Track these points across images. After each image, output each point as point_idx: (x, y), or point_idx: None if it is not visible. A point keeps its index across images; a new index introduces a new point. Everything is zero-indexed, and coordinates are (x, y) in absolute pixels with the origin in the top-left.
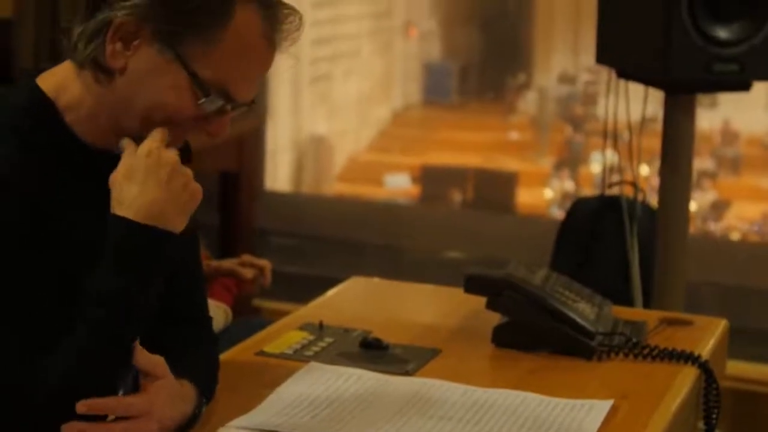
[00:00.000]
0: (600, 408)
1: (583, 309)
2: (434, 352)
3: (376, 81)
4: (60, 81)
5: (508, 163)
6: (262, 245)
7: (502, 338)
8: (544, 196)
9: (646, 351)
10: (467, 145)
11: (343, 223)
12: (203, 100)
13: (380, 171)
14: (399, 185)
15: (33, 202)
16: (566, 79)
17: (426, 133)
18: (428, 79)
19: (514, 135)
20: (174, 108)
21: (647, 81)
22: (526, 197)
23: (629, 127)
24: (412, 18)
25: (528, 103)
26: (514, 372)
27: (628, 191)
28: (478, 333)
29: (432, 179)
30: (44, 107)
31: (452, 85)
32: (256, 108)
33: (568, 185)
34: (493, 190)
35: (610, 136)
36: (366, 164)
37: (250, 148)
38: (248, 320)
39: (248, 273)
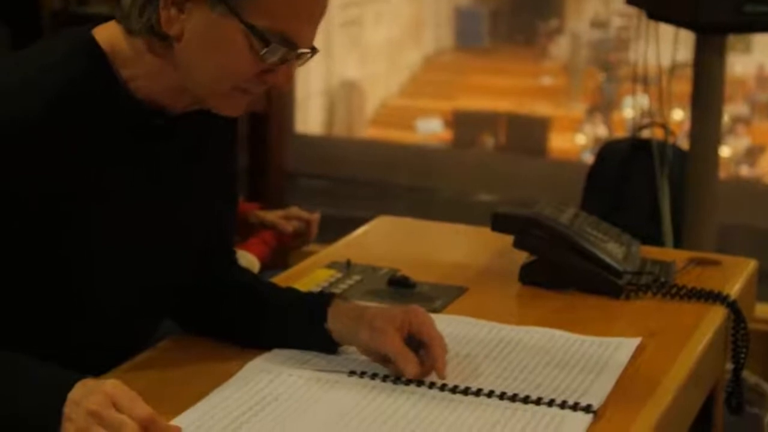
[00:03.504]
0: (628, 345)
1: (611, 248)
2: (461, 290)
3: (407, 25)
4: (114, 38)
5: (540, 108)
6: (292, 188)
7: (529, 276)
8: (577, 141)
9: (674, 290)
10: (499, 90)
11: (374, 166)
12: (264, 50)
13: (412, 116)
14: (431, 130)
15: (65, 153)
16: (598, 23)
17: (458, 77)
18: (459, 23)
19: (546, 80)
20: (237, 68)
21: (678, 22)
22: (558, 142)
23: (660, 71)
24: None
25: (560, 48)
26: (541, 310)
27: (659, 134)
28: (506, 271)
29: (464, 124)
30: (99, 59)
31: (484, 29)
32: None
33: (601, 130)
34: (526, 135)
35: (641, 80)
36: (398, 109)
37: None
38: (276, 272)
39: (288, 226)
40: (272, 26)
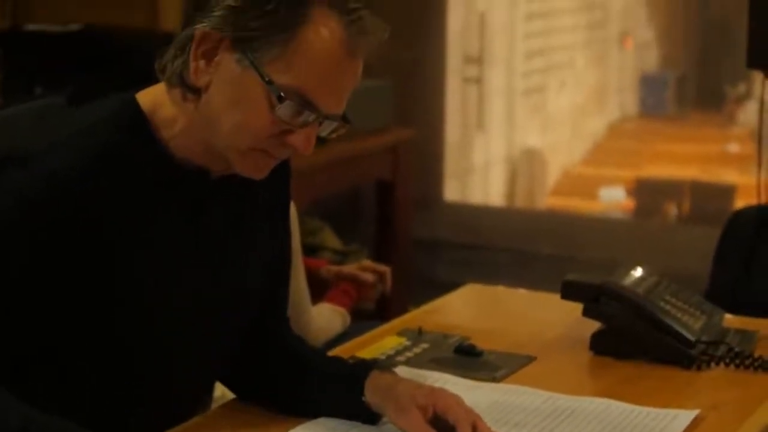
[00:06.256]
0: (683, 418)
1: (687, 317)
2: (528, 359)
3: (590, 93)
4: (157, 98)
5: (726, 176)
6: (433, 257)
7: (600, 345)
8: None
9: (747, 361)
10: (684, 158)
11: (512, 234)
12: (279, 106)
13: (595, 184)
14: (614, 198)
15: (105, 211)
16: None
17: (642, 145)
18: (644, 90)
19: (733, 147)
20: (254, 124)
21: None
22: None
23: None
24: (629, 28)
25: (748, 113)
26: (607, 380)
27: None
28: (579, 340)
29: (647, 192)
30: (138, 121)
31: (670, 95)
32: (410, 117)
33: None
34: (711, 203)
35: None
36: (580, 177)
37: (405, 157)
38: (366, 324)
39: (369, 277)
40: (293, 85)
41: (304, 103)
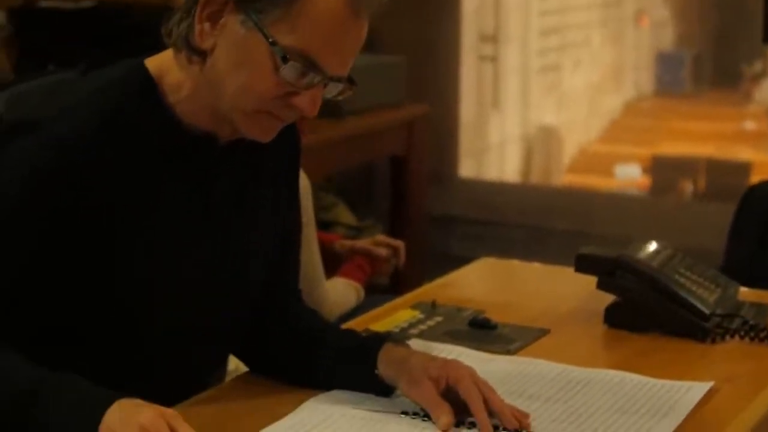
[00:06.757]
0: (697, 390)
1: (702, 290)
2: (542, 332)
3: (606, 71)
4: (164, 63)
5: (742, 153)
6: (449, 232)
7: (614, 318)
8: None
9: (763, 334)
10: (700, 135)
11: (528, 210)
12: (283, 67)
13: (611, 162)
14: (629, 176)
15: (112, 173)
16: None
17: (658, 123)
18: (661, 68)
19: (749, 125)
20: (259, 86)
21: None
22: None
23: None
24: (644, 6)
25: (764, 91)
26: (622, 352)
27: None
28: (593, 313)
29: (663, 170)
30: (147, 86)
31: (686, 74)
32: (424, 92)
33: None
34: (726, 180)
35: None
36: (596, 155)
37: (420, 132)
38: (380, 298)
39: (382, 252)
40: (297, 46)
41: (309, 64)
